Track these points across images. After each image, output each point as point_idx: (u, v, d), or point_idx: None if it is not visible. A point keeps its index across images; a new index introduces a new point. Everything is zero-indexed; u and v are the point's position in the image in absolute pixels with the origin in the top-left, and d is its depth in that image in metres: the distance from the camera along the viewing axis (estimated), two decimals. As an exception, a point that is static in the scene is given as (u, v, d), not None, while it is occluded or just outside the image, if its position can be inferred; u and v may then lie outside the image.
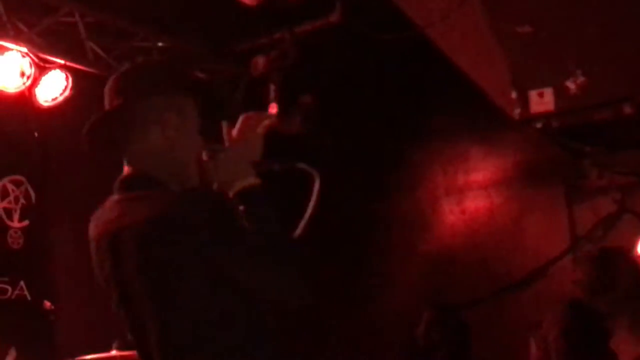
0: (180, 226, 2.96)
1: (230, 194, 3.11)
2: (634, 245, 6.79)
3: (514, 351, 7.42)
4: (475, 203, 8.07)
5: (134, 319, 3.14)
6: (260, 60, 7.33)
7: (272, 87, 7.17)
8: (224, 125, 3.28)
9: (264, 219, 3.05)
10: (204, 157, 3.19)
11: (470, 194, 8.09)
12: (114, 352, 6.06)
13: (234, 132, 3.23)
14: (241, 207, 3.06)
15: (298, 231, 3.16)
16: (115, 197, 3.21)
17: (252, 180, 3.11)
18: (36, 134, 7.48)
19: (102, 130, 3.20)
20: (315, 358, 7.80)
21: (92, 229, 3.26)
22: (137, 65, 3.36)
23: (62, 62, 7.26)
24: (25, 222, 7.58)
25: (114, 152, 3.22)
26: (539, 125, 6.13)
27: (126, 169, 3.21)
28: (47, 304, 7.06)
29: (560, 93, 5.97)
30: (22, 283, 7.39)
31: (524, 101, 6.05)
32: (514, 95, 6.07)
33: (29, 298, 7.40)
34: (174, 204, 2.99)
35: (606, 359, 5.03)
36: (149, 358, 3.10)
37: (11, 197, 7.53)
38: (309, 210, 3.24)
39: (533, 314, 7.47)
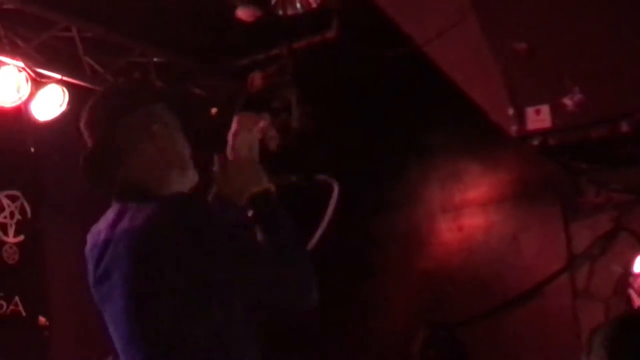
0: (164, 235, 2.96)
1: (244, 200, 3.13)
2: (630, 263, 6.79)
3: None
4: (472, 220, 8.09)
5: (113, 324, 3.15)
6: (257, 76, 7.33)
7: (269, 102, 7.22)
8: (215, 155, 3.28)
9: (275, 223, 3.08)
10: (214, 168, 3.20)
11: (467, 211, 8.11)
12: None
13: (231, 131, 3.24)
14: (250, 212, 3.10)
15: (314, 240, 3.22)
16: (110, 209, 3.21)
17: (265, 184, 3.14)
18: (32, 149, 7.46)
19: (94, 165, 3.24)
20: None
21: (88, 240, 3.27)
22: (100, 95, 3.40)
23: (59, 77, 7.26)
24: (21, 237, 7.58)
25: (112, 181, 3.24)
26: (535, 142, 6.14)
27: (120, 182, 3.21)
28: (42, 319, 7.12)
29: (557, 110, 5.99)
30: (17, 298, 7.38)
31: (521, 118, 6.07)
32: (510, 112, 6.09)
33: (23, 314, 7.39)
34: (160, 213, 2.99)
35: None
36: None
37: (7, 212, 7.54)
38: (326, 220, 3.28)
39: (529, 332, 7.47)
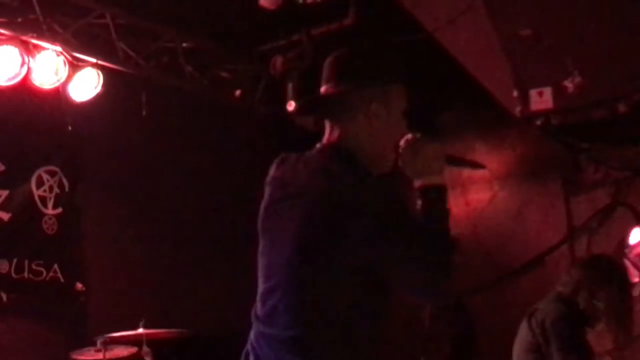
0: (346, 207, 2.95)
1: (416, 185, 3.09)
2: (626, 235, 6.80)
3: (513, 332, 7.45)
4: (479, 195, 8.07)
5: (269, 269, 3.14)
6: (278, 60, 7.36)
7: (290, 86, 7.22)
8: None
9: (437, 219, 3.04)
10: (402, 143, 3.15)
11: (473, 187, 8.07)
12: (140, 330, 6.11)
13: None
14: (420, 202, 3.06)
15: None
16: (315, 153, 3.20)
17: (438, 179, 3.09)
18: (70, 128, 7.47)
19: (316, 107, 3.33)
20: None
21: (275, 171, 3.23)
22: (357, 53, 3.32)
23: (94, 61, 7.26)
24: (59, 210, 7.57)
25: (322, 119, 3.26)
26: (538, 122, 6.11)
27: (333, 136, 3.20)
28: (79, 285, 7.15)
29: (559, 92, 5.96)
30: (55, 266, 7.39)
31: (525, 100, 6.04)
32: (515, 94, 6.07)
33: (62, 280, 7.40)
34: (351, 187, 2.97)
35: (584, 348, 5.06)
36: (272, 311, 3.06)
37: (46, 186, 7.54)
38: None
39: (532, 299, 7.49)
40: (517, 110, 6.10)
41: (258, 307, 3.14)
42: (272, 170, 3.25)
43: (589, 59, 5.92)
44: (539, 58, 6.04)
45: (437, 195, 3.09)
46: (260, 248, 3.21)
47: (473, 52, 6.33)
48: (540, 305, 5.27)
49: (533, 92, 6.06)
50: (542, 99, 6.04)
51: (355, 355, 3.03)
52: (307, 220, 3.04)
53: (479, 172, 8.03)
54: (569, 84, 5.93)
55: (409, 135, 3.18)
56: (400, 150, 3.15)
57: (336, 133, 3.19)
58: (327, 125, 3.23)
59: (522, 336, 5.35)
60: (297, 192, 3.11)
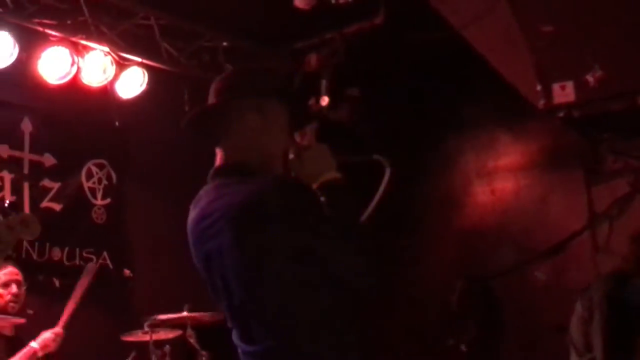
0: (272, 211, 2.94)
1: (314, 186, 3.09)
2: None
3: (537, 314, 7.42)
4: (504, 184, 8.04)
5: (223, 292, 3.07)
6: (313, 58, 7.38)
7: (323, 82, 7.24)
8: (295, 134, 3.28)
9: (343, 209, 3.04)
10: (290, 155, 3.17)
11: (499, 176, 8.06)
12: (185, 313, 6.16)
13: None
14: (322, 198, 3.04)
15: (364, 216, 3.16)
16: (210, 184, 3.18)
17: (334, 174, 3.12)
18: (117, 123, 7.52)
19: (200, 123, 3.25)
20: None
21: (190, 214, 3.22)
22: (236, 70, 3.43)
23: (139, 60, 7.30)
24: (107, 200, 7.63)
25: (209, 142, 3.25)
26: (561, 114, 6.10)
27: (219, 159, 3.21)
28: (127, 272, 7.20)
29: (580, 86, 5.94)
30: (105, 253, 7.45)
31: (548, 93, 6.03)
32: (538, 87, 6.06)
33: (111, 266, 7.46)
34: (267, 190, 2.97)
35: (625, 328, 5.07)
36: (242, 326, 3.04)
37: (95, 179, 7.58)
38: (377, 198, 3.26)
39: (554, 283, 7.48)
40: (541, 103, 6.09)
41: (234, 332, 3.12)
42: (190, 215, 3.22)
43: (609, 53, 5.88)
44: (561, 53, 6.02)
45: (335, 188, 3.10)
46: (210, 289, 3.14)
47: (497, 48, 6.31)
48: (595, 281, 5.32)
49: (556, 86, 6.04)
50: (564, 92, 6.02)
51: None
52: (238, 246, 2.99)
53: (504, 163, 8.05)
54: (590, 78, 5.90)
55: (292, 150, 3.19)
56: (288, 162, 3.17)
57: (220, 154, 3.19)
58: (216, 151, 3.22)
59: (577, 309, 5.39)
60: (215, 225, 3.06)
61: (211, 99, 3.20)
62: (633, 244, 5.33)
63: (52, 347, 5.83)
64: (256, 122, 3.14)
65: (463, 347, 7.21)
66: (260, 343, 3.00)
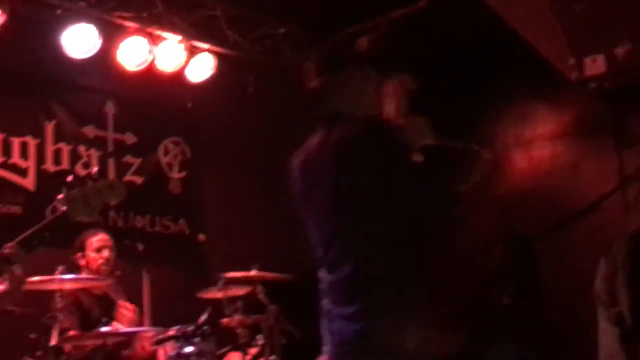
0: (363, 149, 3.08)
1: (416, 147, 3.17)
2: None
3: (573, 271, 7.31)
4: (540, 152, 7.91)
5: (319, 221, 3.22)
6: (364, 42, 7.28)
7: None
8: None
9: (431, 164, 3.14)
10: (401, 120, 3.29)
11: (536, 144, 7.95)
12: (253, 272, 6.16)
13: None
14: (419, 157, 3.13)
15: None
16: (322, 131, 3.30)
17: (430, 140, 3.24)
18: (189, 105, 7.60)
19: (320, 89, 3.40)
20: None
21: (299, 155, 3.37)
22: (342, 49, 3.66)
23: (208, 47, 7.36)
24: (183, 174, 7.70)
25: (324, 108, 3.36)
26: (592, 85, 5.99)
27: (331, 113, 3.30)
28: (201, 237, 7.20)
29: (610, 59, 5.83)
30: (181, 220, 7.54)
31: (580, 66, 5.89)
32: (571, 61, 5.92)
33: (186, 232, 7.54)
34: (361, 133, 3.12)
35: None
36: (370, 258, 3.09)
37: (171, 154, 7.66)
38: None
39: (588, 242, 7.36)
40: (574, 75, 5.94)
41: (322, 262, 3.23)
42: (299, 156, 3.35)
43: (636, 28, 5.76)
44: (591, 29, 5.88)
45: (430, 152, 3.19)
46: (309, 225, 3.28)
47: (532, 25, 6.20)
48: (619, 239, 5.19)
49: (587, 60, 5.89)
50: (595, 65, 5.87)
51: (401, 290, 3.04)
52: (336, 177, 3.13)
53: (540, 132, 7.92)
54: (619, 51, 5.76)
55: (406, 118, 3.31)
56: (399, 126, 3.25)
57: (332, 110, 3.29)
58: (329, 108, 3.32)
59: (601, 266, 5.26)
60: (320, 164, 3.22)
61: (323, 71, 3.39)
62: None
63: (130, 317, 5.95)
64: (359, 86, 3.29)
65: (506, 300, 7.16)
66: (343, 269, 3.09)
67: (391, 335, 2.97)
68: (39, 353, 5.15)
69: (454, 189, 3.32)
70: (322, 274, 3.22)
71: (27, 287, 4.56)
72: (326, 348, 3.17)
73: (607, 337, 4.99)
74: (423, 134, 3.26)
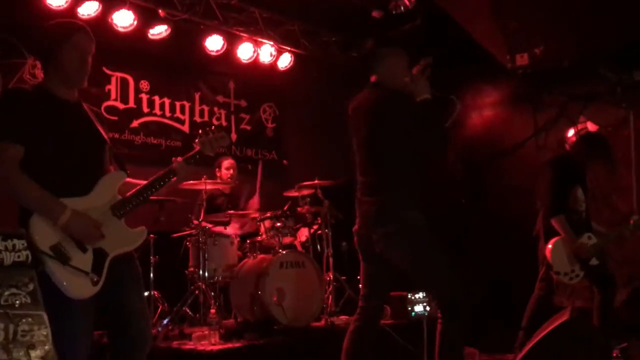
0: (388, 106, 2.93)
1: (418, 99, 2.96)
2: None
3: (507, 185, 6.89)
4: (488, 113, 7.34)
5: (358, 149, 3.04)
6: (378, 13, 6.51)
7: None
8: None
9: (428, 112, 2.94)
10: (406, 79, 3.06)
11: (485, 108, 7.36)
12: (316, 181, 5.81)
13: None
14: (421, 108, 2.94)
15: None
16: (366, 90, 3.08)
17: (428, 95, 2.99)
18: (279, 83, 7.26)
19: (364, 62, 3.20)
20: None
21: (352, 103, 3.11)
22: (379, 34, 3.24)
23: (289, 48, 7.27)
24: (274, 124, 7.61)
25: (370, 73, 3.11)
26: (520, 72, 5.95)
27: (372, 80, 3.08)
28: (285, 161, 7.07)
29: (532, 55, 5.82)
30: (273, 152, 7.41)
31: (513, 59, 5.89)
32: (507, 56, 5.95)
33: (276, 158, 7.28)
34: (388, 95, 2.97)
35: None
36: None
37: (267, 114, 7.50)
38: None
39: (515, 166, 6.84)
40: (509, 65, 5.95)
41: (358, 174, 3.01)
42: (351, 104, 3.10)
43: (547, 37, 5.76)
44: (520, 37, 5.89)
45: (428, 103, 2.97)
46: (353, 148, 3.05)
47: (480, 32, 6.12)
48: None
49: (517, 56, 5.90)
50: (522, 59, 5.88)
51: (405, 190, 2.88)
52: (369, 122, 2.93)
53: (488, 100, 7.25)
54: (537, 51, 5.80)
55: (409, 77, 3.04)
56: (406, 84, 3.02)
57: (372, 78, 3.09)
58: (370, 77, 3.11)
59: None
60: (362, 110, 3.00)
61: (367, 48, 3.14)
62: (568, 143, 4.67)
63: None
64: (390, 61, 3.09)
65: (463, 200, 6.98)
66: (369, 175, 3.00)
67: (398, 211, 2.89)
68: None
69: (442, 126, 2.94)
70: (358, 177, 3.06)
71: (184, 186, 4.73)
72: (358, 221, 3.07)
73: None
74: (423, 89, 2.98)
